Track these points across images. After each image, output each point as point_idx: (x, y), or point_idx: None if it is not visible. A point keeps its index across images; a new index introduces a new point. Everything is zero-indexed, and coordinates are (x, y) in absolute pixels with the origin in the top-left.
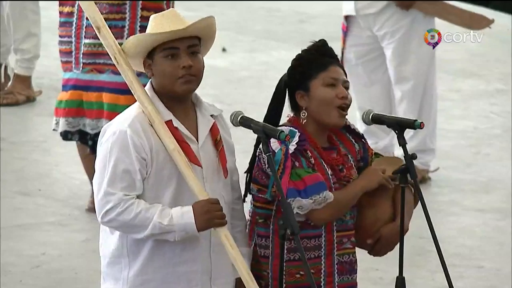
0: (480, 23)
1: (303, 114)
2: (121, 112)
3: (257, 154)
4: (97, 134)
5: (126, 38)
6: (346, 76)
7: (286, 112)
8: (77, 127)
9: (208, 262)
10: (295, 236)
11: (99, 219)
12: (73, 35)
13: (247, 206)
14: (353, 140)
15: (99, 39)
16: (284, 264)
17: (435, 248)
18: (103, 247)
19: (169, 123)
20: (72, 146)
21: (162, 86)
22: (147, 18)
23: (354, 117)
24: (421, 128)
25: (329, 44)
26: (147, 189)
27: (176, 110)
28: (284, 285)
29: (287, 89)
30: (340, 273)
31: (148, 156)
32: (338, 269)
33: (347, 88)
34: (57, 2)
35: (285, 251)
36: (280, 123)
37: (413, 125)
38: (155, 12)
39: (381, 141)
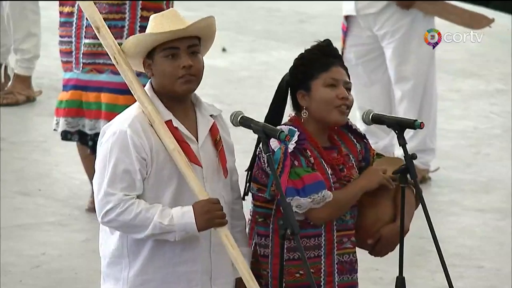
0: (481, 22)
1: (304, 114)
2: (120, 112)
3: (257, 153)
4: (97, 135)
5: (126, 38)
6: (348, 77)
7: (288, 112)
8: (76, 127)
9: (208, 262)
10: (295, 236)
11: (99, 219)
12: (73, 35)
13: (249, 206)
14: (355, 140)
15: (99, 39)
16: (284, 263)
17: (435, 248)
18: (103, 247)
19: (169, 123)
20: (72, 146)
21: (162, 86)
22: (147, 18)
23: (354, 117)
24: (421, 128)
25: None
26: (147, 189)
27: (176, 110)
28: (283, 284)
29: (289, 89)
30: (340, 272)
31: (148, 156)
32: (338, 269)
33: (348, 89)
34: (57, 2)
35: (285, 251)
36: (282, 122)
37: (413, 125)
38: (155, 12)
39: (381, 141)
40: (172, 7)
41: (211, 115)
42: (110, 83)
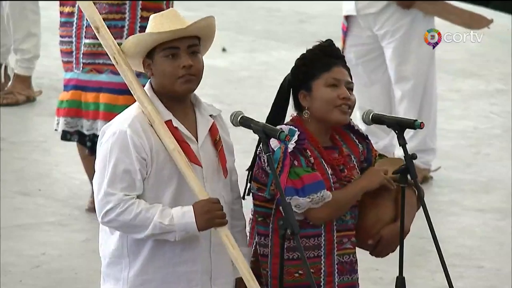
0: (480, 23)
1: (306, 114)
2: (119, 112)
3: (257, 153)
4: (95, 135)
5: (126, 39)
6: (351, 77)
7: (290, 112)
8: (75, 127)
9: (208, 262)
10: (295, 236)
11: (99, 219)
12: (73, 35)
13: (250, 205)
14: (357, 141)
15: (99, 39)
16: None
17: (435, 248)
18: (103, 247)
19: (168, 123)
20: (72, 146)
21: (162, 85)
22: (147, 19)
23: (354, 117)
24: (421, 128)
25: None
26: (147, 189)
27: (176, 110)
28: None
29: (291, 89)
30: (340, 273)
31: (148, 156)
32: (338, 269)
33: (350, 89)
34: (57, 2)
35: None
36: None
37: (413, 125)
38: (155, 13)
39: (381, 141)
40: (172, 7)
41: (210, 115)
42: (109, 83)
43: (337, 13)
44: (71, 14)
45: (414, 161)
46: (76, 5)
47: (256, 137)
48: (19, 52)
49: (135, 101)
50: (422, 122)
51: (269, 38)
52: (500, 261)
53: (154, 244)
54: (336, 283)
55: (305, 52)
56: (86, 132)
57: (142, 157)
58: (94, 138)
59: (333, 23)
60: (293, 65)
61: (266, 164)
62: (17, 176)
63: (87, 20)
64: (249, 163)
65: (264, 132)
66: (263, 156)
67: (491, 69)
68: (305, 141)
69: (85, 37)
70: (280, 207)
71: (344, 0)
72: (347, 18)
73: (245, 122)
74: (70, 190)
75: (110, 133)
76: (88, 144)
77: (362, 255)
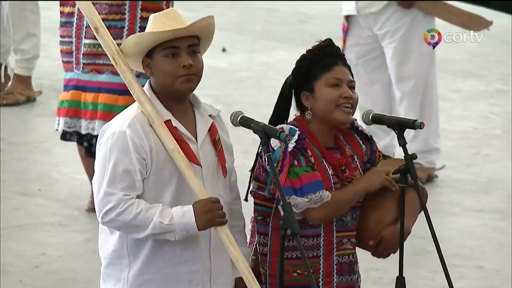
0: (479, 24)
1: (308, 115)
2: (118, 112)
3: (259, 152)
4: (92, 136)
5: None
6: (352, 76)
7: (293, 112)
8: (74, 128)
9: (207, 262)
10: (295, 236)
11: (99, 220)
12: (73, 35)
13: (252, 206)
14: (361, 142)
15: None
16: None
17: (435, 248)
18: (103, 247)
19: (168, 123)
20: (72, 147)
21: (162, 85)
22: (147, 19)
23: (355, 117)
24: (421, 128)
25: None
26: (147, 189)
27: (175, 110)
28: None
29: (292, 90)
30: (340, 273)
31: (148, 156)
32: (337, 270)
33: (352, 87)
34: (57, 3)
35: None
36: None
37: (413, 125)
38: (155, 13)
39: (381, 141)
40: (172, 7)
41: (210, 115)
42: (109, 84)
43: (337, 13)
44: (71, 14)
45: (418, 160)
46: (76, 5)
47: (257, 137)
48: (19, 53)
49: (135, 101)
50: (422, 122)
51: (269, 38)
52: (500, 261)
53: (154, 244)
54: (335, 283)
55: (305, 52)
56: (83, 132)
57: (142, 157)
58: (91, 138)
59: (333, 23)
60: (294, 66)
61: (266, 163)
62: (17, 176)
63: (87, 20)
64: (249, 163)
65: (264, 132)
66: (264, 155)
67: (491, 70)
68: (305, 141)
69: (85, 37)
70: (279, 206)
71: (344, 0)
72: (347, 18)
73: (245, 122)
74: (70, 190)
75: (110, 133)
76: (85, 144)
77: (362, 255)
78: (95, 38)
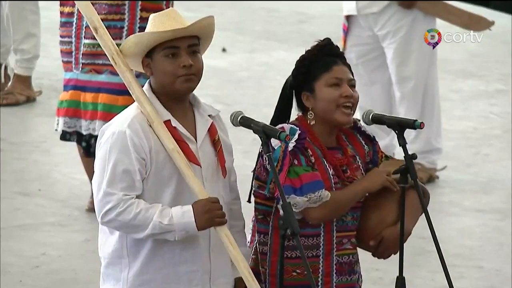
0: (479, 24)
1: (310, 115)
2: (118, 113)
3: (260, 151)
4: (91, 136)
5: (125, 39)
6: (352, 74)
7: (294, 113)
8: (74, 128)
9: (207, 262)
10: (295, 236)
11: (99, 220)
12: (73, 35)
13: (252, 206)
14: (363, 142)
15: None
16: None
17: (435, 248)
18: (103, 247)
19: (167, 123)
20: (72, 147)
21: (162, 85)
22: (146, 19)
23: (357, 118)
24: (421, 128)
25: None
26: (146, 189)
27: (175, 110)
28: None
29: (293, 90)
30: (339, 273)
31: (147, 156)
32: (336, 269)
33: (353, 86)
34: (57, 3)
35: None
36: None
37: (413, 125)
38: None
39: (381, 141)
40: (172, 7)
41: (209, 115)
42: (109, 84)
43: (337, 13)
44: (71, 14)
45: (420, 161)
46: (76, 5)
47: (257, 137)
48: (19, 53)
49: (134, 101)
50: (422, 122)
51: (269, 38)
52: (500, 261)
53: (154, 245)
54: (334, 283)
55: (304, 53)
56: (83, 132)
57: (141, 157)
58: (90, 138)
59: (333, 23)
60: (294, 66)
61: (267, 163)
62: (17, 176)
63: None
64: (249, 163)
65: (264, 132)
66: (264, 155)
67: (491, 70)
68: (306, 140)
69: (84, 37)
70: (278, 205)
71: (344, 0)
72: (348, 18)
73: (245, 122)
74: (70, 190)
75: (110, 133)
76: (83, 144)
77: (362, 255)
78: (94, 38)
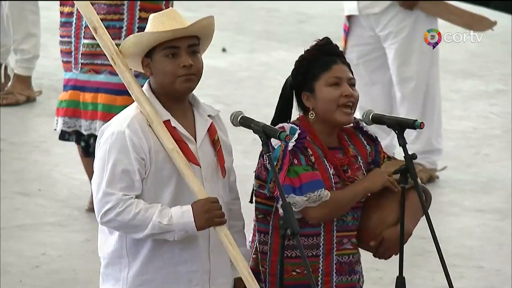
0: (481, 24)
1: (311, 115)
2: (117, 113)
3: (261, 151)
4: (91, 136)
5: (124, 39)
6: (352, 73)
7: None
8: (73, 127)
9: (207, 262)
10: (295, 236)
11: (98, 220)
12: (72, 35)
13: (252, 205)
14: (365, 142)
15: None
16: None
17: (435, 248)
18: (102, 247)
19: (167, 123)
20: (72, 147)
21: (162, 85)
22: (145, 19)
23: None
24: (421, 128)
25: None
26: (146, 189)
27: (174, 110)
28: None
29: (293, 91)
30: (339, 273)
31: (147, 156)
32: (336, 269)
33: (353, 85)
34: (57, 3)
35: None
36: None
37: (413, 125)
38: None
39: (382, 141)
40: (171, 7)
41: (209, 116)
42: (107, 84)
43: (337, 13)
44: (70, 14)
45: (420, 161)
46: (75, 6)
47: (257, 137)
48: (18, 53)
49: (133, 101)
50: (422, 122)
51: (269, 38)
52: (500, 261)
53: (154, 245)
54: (334, 283)
55: (303, 53)
56: (84, 132)
57: (140, 157)
58: (89, 138)
59: (333, 23)
60: (293, 66)
61: (267, 162)
62: (17, 176)
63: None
64: (249, 163)
65: (264, 132)
66: (265, 155)
67: (491, 70)
68: (306, 140)
69: (84, 37)
70: (278, 205)
71: (345, 0)
72: (349, 18)
73: (245, 122)
74: (70, 190)
75: (109, 134)
76: (82, 144)
77: (363, 255)
78: (93, 38)
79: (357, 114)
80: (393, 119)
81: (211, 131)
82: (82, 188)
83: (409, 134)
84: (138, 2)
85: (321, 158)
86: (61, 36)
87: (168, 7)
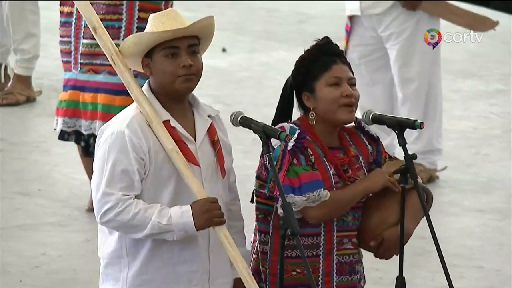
0: (484, 24)
1: (312, 115)
2: (116, 113)
3: (261, 151)
4: (91, 136)
5: (123, 39)
6: (352, 73)
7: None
8: (73, 127)
9: (206, 262)
10: (295, 236)
11: (98, 220)
12: (72, 35)
13: (253, 206)
14: (367, 142)
15: (96, 40)
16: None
17: (435, 248)
18: (102, 248)
19: (166, 123)
20: (72, 147)
21: (161, 85)
22: (144, 20)
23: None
24: (421, 128)
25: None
26: (145, 189)
27: (174, 110)
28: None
29: (294, 91)
30: (340, 273)
31: (146, 156)
32: (337, 269)
33: (353, 84)
34: (57, 3)
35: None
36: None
37: (413, 125)
38: (153, 13)
39: (382, 141)
40: (171, 7)
41: (209, 116)
42: (106, 84)
43: (337, 13)
44: (70, 14)
45: (420, 161)
46: (75, 5)
47: (257, 137)
48: (18, 53)
49: (132, 101)
50: (422, 122)
51: (269, 38)
52: (500, 261)
53: (153, 245)
54: (335, 283)
55: (303, 53)
56: (84, 132)
57: (140, 157)
58: (89, 138)
59: (333, 23)
60: (293, 67)
61: (267, 162)
62: (17, 176)
63: (85, 20)
64: (249, 163)
65: (264, 132)
66: (265, 155)
67: (491, 70)
68: (305, 140)
69: (83, 37)
70: (277, 205)
71: (345, 0)
72: (351, 18)
73: (245, 122)
74: (70, 190)
75: (108, 134)
76: (82, 144)
77: (363, 255)
78: (93, 38)
79: (358, 114)
80: (393, 119)
81: (211, 131)
82: (82, 188)
83: (410, 134)
84: (137, 2)
85: (321, 158)
86: (61, 36)
87: (168, 7)
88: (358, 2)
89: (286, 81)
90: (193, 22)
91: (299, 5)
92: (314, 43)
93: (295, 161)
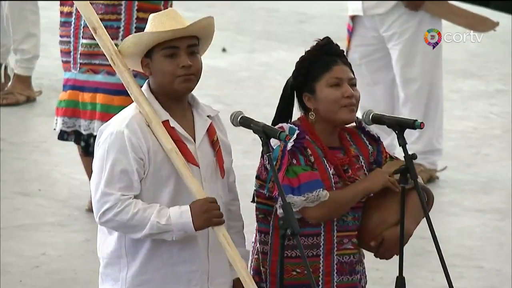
0: (484, 25)
1: (312, 116)
2: (114, 113)
3: (261, 151)
4: (90, 136)
5: (122, 39)
6: (353, 73)
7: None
8: (73, 127)
9: (206, 262)
10: (295, 236)
11: (97, 220)
12: (71, 35)
13: (253, 206)
14: (367, 142)
15: (95, 40)
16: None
17: (435, 248)
18: (101, 248)
19: (165, 123)
20: (72, 147)
21: (161, 85)
22: (143, 20)
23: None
24: (421, 128)
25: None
26: (144, 189)
27: (173, 110)
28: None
29: (294, 91)
30: (340, 273)
31: (145, 156)
32: (337, 269)
33: (354, 85)
34: (57, 3)
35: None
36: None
37: (413, 125)
38: (151, 14)
39: (382, 141)
40: (171, 7)
41: (208, 116)
42: (105, 84)
43: (337, 13)
44: (69, 14)
45: (420, 161)
46: (74, 5)
47: (256, 137)
48: (18, 53)
49: (131, 102)
50: (422, 122)
51: (269, 38)
52: (500, 261)
53: (152, 245)
54: (335, 283)
55: (304, 54)
56: (83, 132)
57: (139, 157)
58: (88, 138)
59: (333, 23)
60: (294, 67)
61: (267, 162)
62: (17, 176)
63: (85, 20)
64: (249, 163)
65: (264, 132)
66: (265, 155)
67: (491, 70)
68: (305, 140)
69: (82, 37)
70: (277, 205)
71: (346, 0)
72: (353, 18)
73: (245, 122)
74: (70, 190)
75: (108, 134)
76: (82, 144)
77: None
78: (92, 38)
79: (358, 114)
80: (393, 119)
81: (210, 132)
82: (82, 188)
83: (411, 134)
84: (136, 2)
85: (320, 158)
86: (60, 36)
87: (167, 7)
88: (360, 2)
89: (287, 82)
90: (192, 22)
91: (299, 5)
92: (314, 43)
93: (294, 161)
